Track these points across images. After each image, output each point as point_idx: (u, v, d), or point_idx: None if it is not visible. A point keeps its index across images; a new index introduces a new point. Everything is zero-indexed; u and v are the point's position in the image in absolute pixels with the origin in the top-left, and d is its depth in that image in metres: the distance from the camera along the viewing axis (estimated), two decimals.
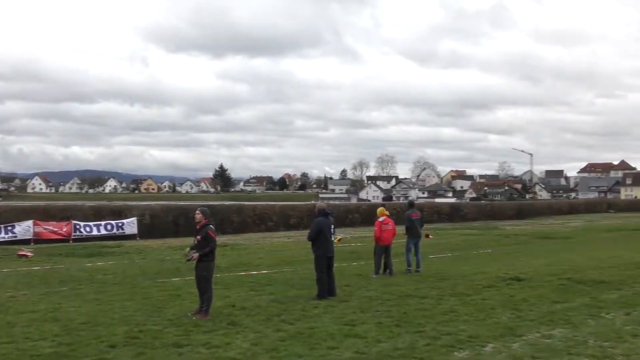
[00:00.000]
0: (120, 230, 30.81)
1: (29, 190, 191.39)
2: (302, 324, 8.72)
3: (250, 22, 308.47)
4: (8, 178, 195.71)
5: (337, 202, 64.93)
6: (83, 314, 9.67)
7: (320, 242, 11.16)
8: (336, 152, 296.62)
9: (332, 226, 11.51)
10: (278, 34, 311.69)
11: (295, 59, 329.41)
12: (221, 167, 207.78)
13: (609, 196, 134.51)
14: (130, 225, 31.26)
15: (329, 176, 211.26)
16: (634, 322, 8.67)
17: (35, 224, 28.48)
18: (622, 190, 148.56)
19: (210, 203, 48.31)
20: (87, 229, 30.04)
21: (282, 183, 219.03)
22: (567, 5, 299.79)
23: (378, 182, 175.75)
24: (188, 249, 9.72)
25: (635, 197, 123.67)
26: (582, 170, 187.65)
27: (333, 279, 11.33)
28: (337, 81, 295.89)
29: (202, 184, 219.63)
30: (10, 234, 27.72)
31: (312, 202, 67.44)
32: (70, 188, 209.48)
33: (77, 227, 29.64)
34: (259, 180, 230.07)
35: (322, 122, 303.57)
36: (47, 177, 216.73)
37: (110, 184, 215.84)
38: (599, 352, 7.08)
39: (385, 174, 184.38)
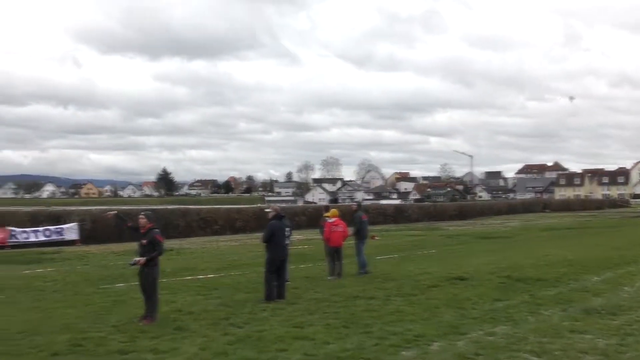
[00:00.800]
0: (60, 236, 29.82)
1: None
2: (251, 327, 8.68)
3: (185, 23, 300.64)
4: None
5: (283, 205, 64.80)
6: (19, 323, 9.26)
7: (273, 245, 11.15)
8: (280, 155, 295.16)
9: (289, 229, 11.54)
10: (214, 35, 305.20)
11: (233, 61, 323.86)
12: (164, 170, 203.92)
13: (545, 196, 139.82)
14: (70, 230, 30.31)
15: (274, 179, 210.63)
16: (570, 318, 9.02)
17: None
18: (557, 190, 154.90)
19: (154, 207, 47.39)
20: (24, 235, 28.98)
21: (227, 186, 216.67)
22: (496, 11, 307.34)
23: (324, 185, 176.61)
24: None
25: (568, 197, 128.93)
26: (520, 172, 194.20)
27: (283, 281, 11.33)
28: (275, 84, 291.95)
29: (145, 188, 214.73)
30: None
31: (258, 205, 67.14)
32: (5, 193, 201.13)
33: (13, 233, 28.56)
34: (203, 183, 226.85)
35: (264, 124, 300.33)
36: None
37: (48, 188, 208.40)
38: (538, 348, 7.33)
39: (330, 177, 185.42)
